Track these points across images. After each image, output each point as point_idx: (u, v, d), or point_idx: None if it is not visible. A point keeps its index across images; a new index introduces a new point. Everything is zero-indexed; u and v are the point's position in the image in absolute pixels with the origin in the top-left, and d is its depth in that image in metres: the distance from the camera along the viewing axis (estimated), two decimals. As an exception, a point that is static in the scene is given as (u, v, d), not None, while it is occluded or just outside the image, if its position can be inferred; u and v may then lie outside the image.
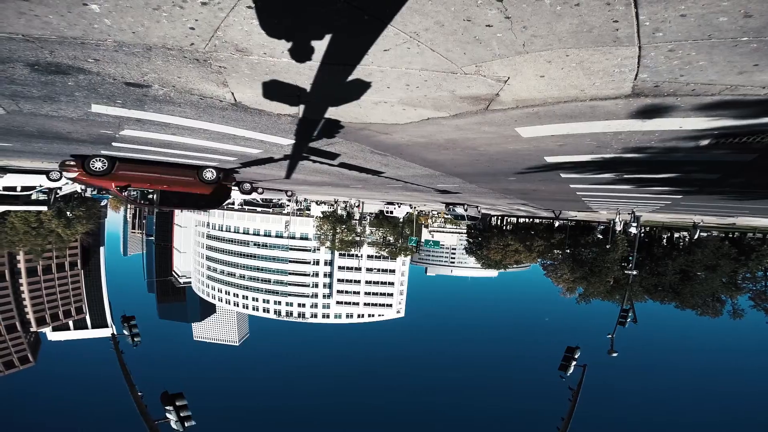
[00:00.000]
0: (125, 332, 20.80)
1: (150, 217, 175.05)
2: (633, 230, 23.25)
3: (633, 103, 4.22)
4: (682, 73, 3.42)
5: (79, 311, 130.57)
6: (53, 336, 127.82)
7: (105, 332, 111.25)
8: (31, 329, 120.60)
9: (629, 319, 27.05)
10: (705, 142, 5.54)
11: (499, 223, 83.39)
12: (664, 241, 60.11)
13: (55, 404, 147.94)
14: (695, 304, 54.22)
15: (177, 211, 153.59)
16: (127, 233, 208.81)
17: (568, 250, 61.75)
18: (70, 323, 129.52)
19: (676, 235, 64.57)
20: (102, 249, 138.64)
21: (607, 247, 54.20)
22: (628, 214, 20.30)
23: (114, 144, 9.39)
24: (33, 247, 69.70)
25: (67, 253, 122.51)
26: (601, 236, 57.11)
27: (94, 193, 41.15)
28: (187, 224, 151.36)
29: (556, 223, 60.38)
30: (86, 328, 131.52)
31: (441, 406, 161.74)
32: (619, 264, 55.22)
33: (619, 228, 21.93)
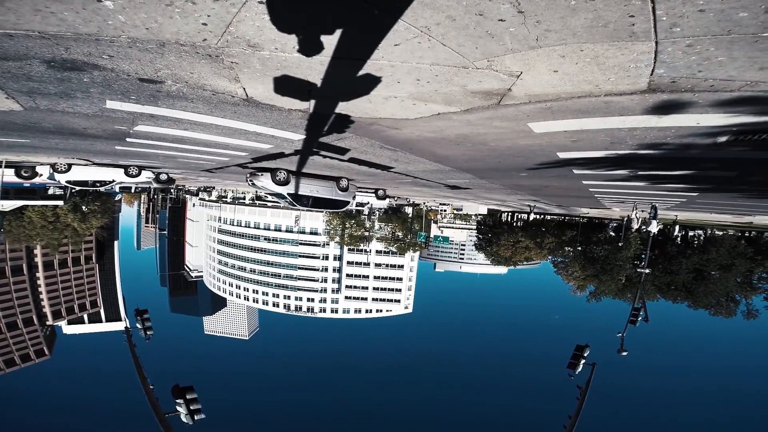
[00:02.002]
0: (138, 326, 21.07)
1: (163, 211, 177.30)
2: (653, 228, 19.55)
3: (649, 99, 4.14)
4: (700, 69, 3.35)
5: (93, 305, 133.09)
6: (68, 329, 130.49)
7: (118, 326, 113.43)
8: (47, 323, 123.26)
9: (640, 318, 26.73)
10: (723, 139, 5.43)
11: (509, 219, 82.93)
12: (678, 239, 59.22)
13: (69, 396, 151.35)
14: (708, 304, 53.42)
15: (189, 206, 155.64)
16: (140, 227, 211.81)
17: (580, 248, 61.17)
18: (85, 317, 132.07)
19: (690, 233, 63.62)
20: (116, 243, 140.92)
21: (620, 244, 53.54)
22: (642, 211, 18.97)
23: (128, 139, 9.51)
24: (50, 241, 71.06)
25: (83, 247, 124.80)
26: (613, 233, 56.46)
27: (108, 187, 41.84)
28: (200, 219, 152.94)
29: (531, 216, 59.84)
30: (100, 321, 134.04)
31: (448, 402, 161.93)
32: (631, 262, 54.59)
33: (635, 226, 19.31)
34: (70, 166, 20.58)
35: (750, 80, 3.46)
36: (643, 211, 18.77)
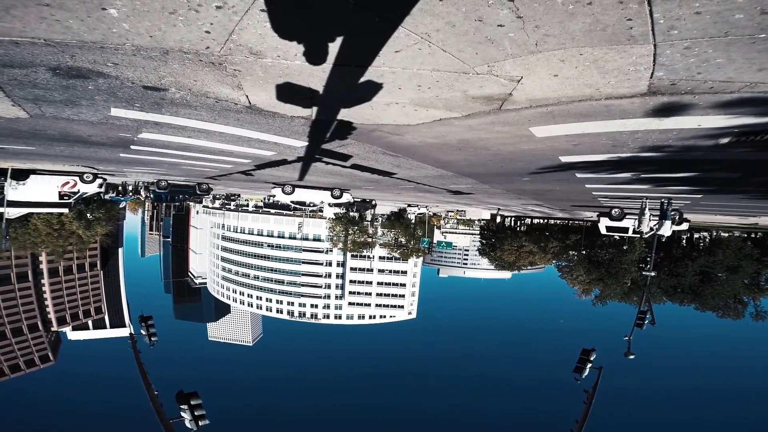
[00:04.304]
0: (143, 332, 21.13)
1: (167, 219, 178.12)
2: (665, 231, 17.16)
3: (649, 102, 4.15)
4: (700, 71, 3.36)
5: (98, 311, 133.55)
6: (73, 335, 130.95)
7: (123, 332, 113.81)
8: (52, 328, 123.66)
9: (647, 321, 26.51)
10: (725, 141, 5.42)
11: (512, 224, 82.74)
12: (684, 241, 58.88)
13: (74, 402, 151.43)
14: (716, 306, 53.04)
15: (193, 213, 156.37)
16: (144, 235, 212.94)
17: (584, 251, 60.92)
18: (90, 323, 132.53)
19: (696, 235, 63.24)
20: (120, 250, 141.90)
21: (624, 248, 53.26)
22: (650, 211, 17.78)
23: (133, 147, 9.59)
24: (55, 249, 71.26)
25: (87, 254, 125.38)
26: (617, 237, 56.13)
27: (113, 195, 42.25)
28: (203, 226, 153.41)
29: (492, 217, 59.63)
30: (105, 327, 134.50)
31: (453, 407, 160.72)
32: (636, 265, 54.27)
33: (645, 229, 17.22)
34: (294, 188, 23.02)
35: (749, 81, 3.47)
36: (652, 216, 18.18)
